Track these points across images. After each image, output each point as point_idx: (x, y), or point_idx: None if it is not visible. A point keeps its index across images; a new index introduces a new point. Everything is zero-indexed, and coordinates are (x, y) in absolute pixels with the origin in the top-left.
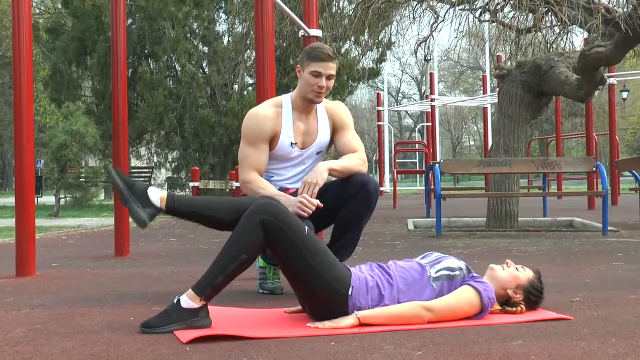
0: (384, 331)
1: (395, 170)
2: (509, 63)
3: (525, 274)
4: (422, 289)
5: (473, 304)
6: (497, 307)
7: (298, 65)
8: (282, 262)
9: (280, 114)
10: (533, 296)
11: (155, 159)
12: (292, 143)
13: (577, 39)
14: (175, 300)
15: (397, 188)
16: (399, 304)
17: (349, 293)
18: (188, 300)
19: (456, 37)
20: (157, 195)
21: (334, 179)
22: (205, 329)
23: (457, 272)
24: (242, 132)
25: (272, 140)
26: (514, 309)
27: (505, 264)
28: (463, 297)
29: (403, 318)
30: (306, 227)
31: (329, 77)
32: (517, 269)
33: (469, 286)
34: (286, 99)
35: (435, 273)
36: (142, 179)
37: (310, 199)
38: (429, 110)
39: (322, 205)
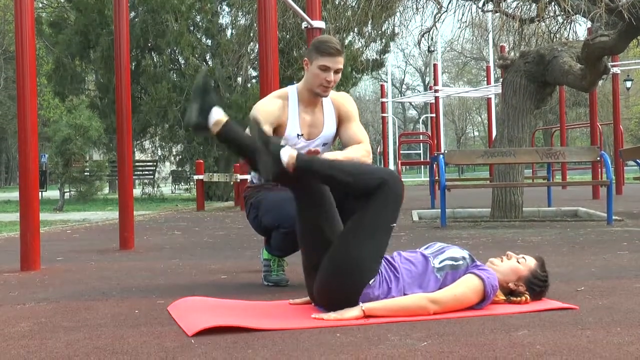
0: (389, 322)
1: (399, 161)
2: (512, 53)
3: (526, 265)
4: (426, 280)
5: (477, 292)
6: (501, 297)
7: (305, 58)
8: (359, 225)
9: (287, 105)
10: (536, 287)
11: (159, 152)
12: (298, 135)
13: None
14: (280, 146)
15: (402, 179)
16: (405, 295)
17: (371, 283)
18: (286, 159)
19: (459, 28)
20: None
21: None
22: (210, 321)
23: (460, 262)
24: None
25: (278, 131)
26: (519, 298)
27: (505, 255)
28: (467, 285)
29: (408, 310)
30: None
31: (336, 72)
32: (518, 260)
33: (473, 274)
34: (292, 91)
35: (439, 263)
36: (146, 172)
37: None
38: (433, 101)
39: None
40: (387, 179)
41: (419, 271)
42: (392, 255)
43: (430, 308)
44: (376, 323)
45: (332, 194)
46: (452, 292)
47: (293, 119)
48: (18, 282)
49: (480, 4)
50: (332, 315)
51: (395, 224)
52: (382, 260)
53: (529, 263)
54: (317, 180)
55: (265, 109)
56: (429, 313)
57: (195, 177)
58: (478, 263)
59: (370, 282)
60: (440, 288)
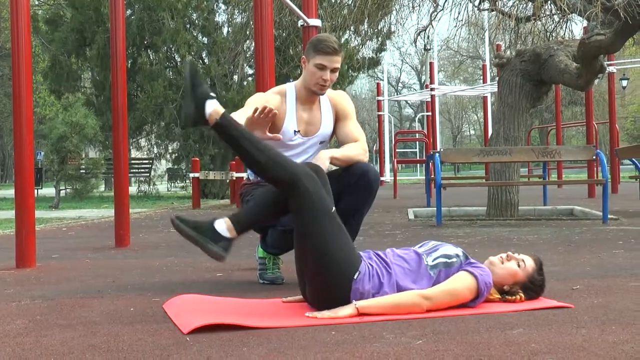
0: (384, 320)
1: (395, 160)
2: (508, 52)
3: (525, 270)
4: (419, 278)
5: (470, 289)
6: (496, 295)
7: (303, 56)
8: (301, 232)
9: (284, 102)
10: (532, 291)
11: (155, 150)
12: (295, 131)
13: (577, 27)
14: (210, 95)
15: (398, 178)
16: (397, 293)
17: (355, 277)
18: (210, 108)
19: (456, 27)
20: (223, 225)
21: (334, 167)
22: (205, 318)
23: (454, 259)
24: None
25: (275, 127)
26: (513, 297)
27: (505, 255)
28: (460, 283)
29: (401, 307)
30: (334, 207)
31: (333, 70)
32: (518, 263)
33: (466, 272)
34: (290, 88)
35: (433, 261)
36: (142, 170)
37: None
38: (429, 99)
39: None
40: (300, 177)
41: (412, 268)
42: (384, 251)
43: (422, 305)
44: (371, 321)
45: None
46: (445, 288)
47: (290, 116)
48: (13, 280)
49: (477, 3)
50: (326, 313)
51: (333, 208)
52: (372, 255)
53: (527, 267)
54: (234, 147)
55: (263, 97)
56: (422, 310)
57: (191, 174)
58: (472, 260)
59: (355, 277)
60: (433, 285)
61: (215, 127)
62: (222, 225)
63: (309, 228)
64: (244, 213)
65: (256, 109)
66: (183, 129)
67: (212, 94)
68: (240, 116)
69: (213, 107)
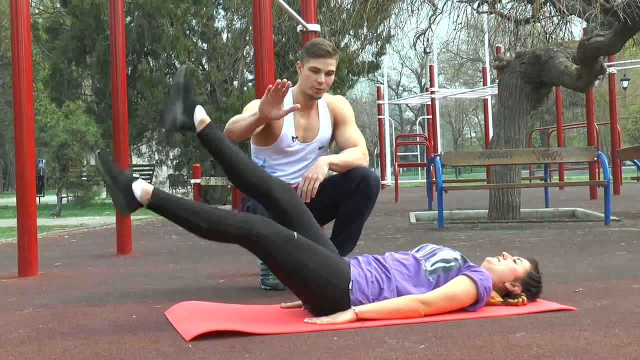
0: (386, 325)
1: (396, 163)
2: (508, 54)
3: (522, 266)
4: (418, 283)
5: (469, 294)
6: (498, 299)
7: (299, 61)
8: (280, 270)
9: (282, 108)
10: (532, 287)
11: (156, 156)
12: (293, 137)
13: (576, 28)
14: (133, 177)
15: (399, 181)
16: (397, 297)
17: (350, 287)
18: (138, 190)
19: (455, 30)
20: (140, 191)
21: (334, 173)
22: (208, 325)
23: (452, 264)
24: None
25: (274, 132)
26: (516, 300)
27: (501, 256)
28: (459, 287)
29: (400, 312)
30: (295, 233)
31: (328, 73)
32: (514, 261)
33: (465, 276)
34: (287, 94)
35: (431, 266)
36: (144, 177)
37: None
38: (430, 102)
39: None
40: (249, 228)
41: (411, 274)
42: (383, 255)
43: (421, 309)
44: (373, 326)
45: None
46: (443, 293)
47: (288, 122)
48: (16, 288)
49: (475, 5)
50: (325, 319)
51: (295, 234)
52: (370, 260)
53: (524, 264)
54: (174, 221)
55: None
56: (420, 315)
57: (193, 180)
58: (470, 264)
59: (350, 287)
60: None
61: (149, 207)
62: (139, 188)
63: (282, 265)
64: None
65: (269, 88)
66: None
67: (135, 175)
68: (242, 117)
69: (141, 189)
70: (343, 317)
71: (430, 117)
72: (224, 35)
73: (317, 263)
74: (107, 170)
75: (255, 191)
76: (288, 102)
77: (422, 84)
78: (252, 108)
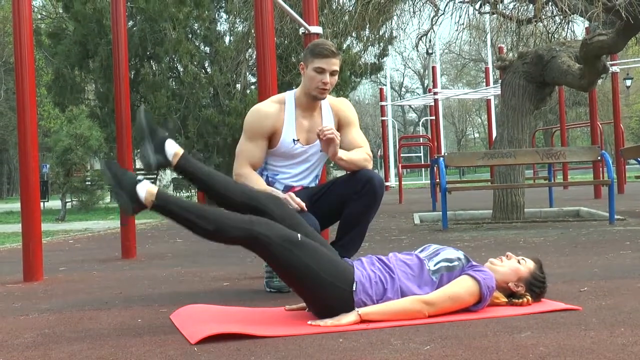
0: (391, 327)
1: (400, 164)
2: (510, 54)
3: (526, 266)
4: (422, 283)
5: (472, 293)
6: (503, 299)
7: (302, 62)
8: (284, 271)
9: (283, 110)
10: (536, 287)
11: None
12: (294, 140)
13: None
14: (137, 180)
15: (403, 182)
16: (400, 299)
17: (354, 289)
18: (143, 192)
19: (457, 30)
20: (144, 192)
21: (338, 175)
22: (213, 328)
23: (455, 263)
24: (243, 126)
25: (274, 137)
26: (520, 300)
27: (505, 256)
28: (462, 287)
29: (404, 313)
30: (299, 235)
31: (332, 73)
32: (518, 261)
33: (468, 276)
34: (290, 96)
35: (434, 266)
36: (147, 180)
37: (294, 200)
38: (433, 103)
39: (306, 209)
40: (254, 229)
41: (415, 274)
42: (387, 256)
43: (424, 310)
44: (379, 328)
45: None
46: (446, 293)
47: (289, 124)
48: (21, 293)
49: (477, 6)
50: (329, 321)
51: (299, 235)
52: (374, 260)
53: (528, 264)
54: (179, 223)
55: (259, 123)
56: (424, 315)
57: None
58: (474, 263)
59: (354, 288)
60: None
61: (153, 209)
62: (143, 190)
63: (288, 267)
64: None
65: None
66: (122, 222)
67: (139, 177)
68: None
69: (146, 190)
70: (347, 319)
71: (434, 118)
72: (226, 39)
73: (320, 265)
74: (111, 173)
75: (247, 209)
76: (290, 105)
77: (425, 85)
78: (250, 129)
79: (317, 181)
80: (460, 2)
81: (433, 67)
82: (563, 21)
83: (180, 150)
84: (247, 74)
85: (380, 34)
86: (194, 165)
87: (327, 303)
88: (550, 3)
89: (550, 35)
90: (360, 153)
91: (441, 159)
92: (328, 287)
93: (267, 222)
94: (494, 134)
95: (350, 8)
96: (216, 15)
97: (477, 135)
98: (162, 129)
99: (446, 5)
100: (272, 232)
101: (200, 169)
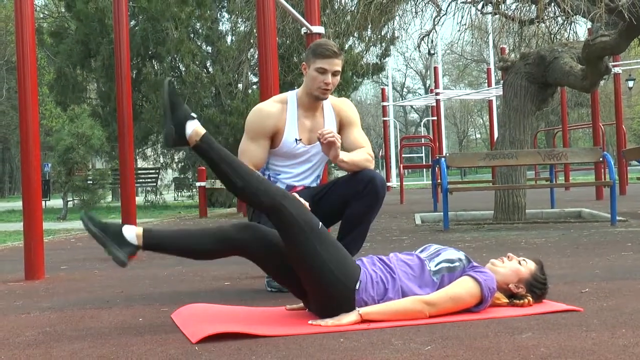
0: (392, 327)
1: (401, 165)
2: (512, 55)
3: (527, 267)
4: (423, 284)
5: (473, 294)
6: (504, 300)
7: (304, 62)
8: (294, 251)
9: (285, 110)
10: (537, 289)
11: (161, 159)
12: (296, 139)
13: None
14: (191, 116)
15: (404, 183)
16: (401, 299)
17: (357, 287)
18: (190, 129)
19: (459, 31)
20: (132, 232)
21: (339, 175)
22: (214, 327)
23: (456, 264)
24: (245, 126)
25: (276, 137)
26: (522, 301)
27: (506, 257)
28: (463, 287)
29: (405, 314)
30: (320, 223)
31: (334, 74)
32: (519, 262)
33: (469, 277)
34: (292, 96)
35: (435, 267)
36: (148, 180)
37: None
38: (434, 104)
39: (309, 208)
40: (282, 202)
41: (416, 274)
42: (388, 256)
43: (425, 310)
44: (380, 328)
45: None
46: (448, 293)
47: (291, 124)
48: (22, 292)
49: (480, 6)
50: (330, 321)
51: (320, 224)
52: (375, 260)
53: (529, 265)
54: (214, 170)
55: (261, 123)
56: (425, 316)
57: (198, 184)
58: (475, 264)
59: (357, 287)
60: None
61: (195, 148)
62: (131, 232)
63: (302, 250)
64: (162, 234)
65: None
66: (164, 149)
67: (193, 115)
68: (248, 156)
69: (193, 128)
70: (347, 318)
71: (435, 118)
72: (228, 38)
73: (330, 256)
74: (169, 95)
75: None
76: (291, 105)
77: (427, 85)
78: (252, 130)
79: (319, 181)
80: (463, 2)
81: (435, 68)
82: (565, 22)
83: (201, 131)
84: (249, 73)
85: (382, 34)
86: (215, 150)
87: (327, 297)
88: (552, 4)
89: (552, 36)
90: (361, 154)
91: (443, 159)
92: (332, 280)
93: (299, 202)
94: (496, 135)
95: (353, 8)
96: (218, 15)
97: (478, 135)
98: (187, 106)
99: (448, 5)
100: (298, 211)
101: (218, 153)
